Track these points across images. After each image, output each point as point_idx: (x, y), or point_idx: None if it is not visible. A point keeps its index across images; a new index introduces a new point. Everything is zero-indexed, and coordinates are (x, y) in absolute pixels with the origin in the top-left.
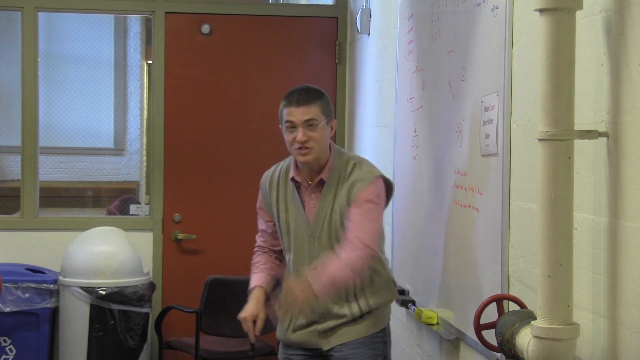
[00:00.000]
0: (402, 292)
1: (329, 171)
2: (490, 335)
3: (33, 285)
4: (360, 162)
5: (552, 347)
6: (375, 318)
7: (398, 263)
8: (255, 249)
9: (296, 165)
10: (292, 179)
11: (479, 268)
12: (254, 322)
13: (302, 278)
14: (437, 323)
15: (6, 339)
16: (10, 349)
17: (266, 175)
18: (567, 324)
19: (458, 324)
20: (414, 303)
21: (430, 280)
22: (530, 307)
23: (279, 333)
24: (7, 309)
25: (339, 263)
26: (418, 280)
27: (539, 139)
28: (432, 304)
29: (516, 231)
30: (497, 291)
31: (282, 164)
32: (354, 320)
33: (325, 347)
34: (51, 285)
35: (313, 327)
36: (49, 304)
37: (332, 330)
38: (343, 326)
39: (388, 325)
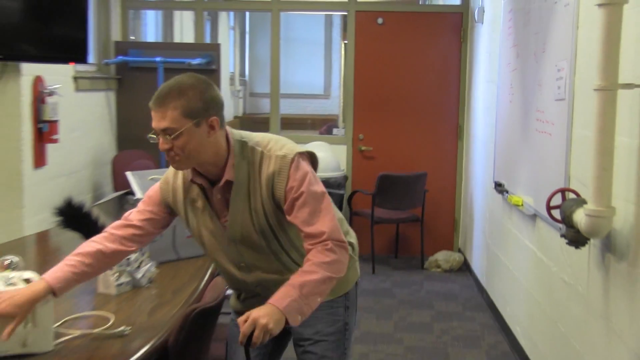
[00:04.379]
0: (500, 184)
1: (232, 169)
2: (556, 213)
3: None
4: (266, 146)
5: (597, 222)
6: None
7: (499, 166)
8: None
9: None
10: (192, 180)
11: (551, 170)
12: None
13: (270, 307)
14: (522, 205)
15: None
16: None
17: (172, 171)
18: (607, 207)
19: (536, 206)
20: (507, 192)
21: (518, 177)
22: (583, 196)
23: (232, 302)
24: None
25: (314, 271)
26: (510, 177)
27: (595, 89)
28: (519, 192)
29: (576, 148)
30: (562, 185)
31: None
32: None
33: None
34: None
35: (262, 297)
36: None
37: None
38: None
39: (353, 289)
